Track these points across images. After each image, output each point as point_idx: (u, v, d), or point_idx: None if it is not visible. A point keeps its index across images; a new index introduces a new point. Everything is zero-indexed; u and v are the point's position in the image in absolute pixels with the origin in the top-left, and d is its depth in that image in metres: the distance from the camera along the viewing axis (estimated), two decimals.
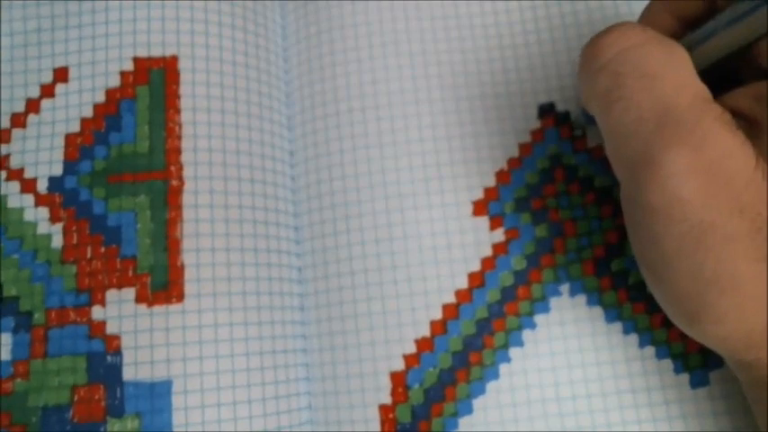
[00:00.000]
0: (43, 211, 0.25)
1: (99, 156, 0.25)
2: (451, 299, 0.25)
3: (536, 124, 0.26)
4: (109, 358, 0.23)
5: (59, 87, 0.26)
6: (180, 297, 0.24)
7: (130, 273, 0.24)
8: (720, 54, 0.19)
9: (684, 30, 0.21)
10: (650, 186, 0.18)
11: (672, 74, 0.18)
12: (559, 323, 0.25)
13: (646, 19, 0.22)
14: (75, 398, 0.23)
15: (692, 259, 0.17)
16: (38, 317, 0.24)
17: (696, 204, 0.17)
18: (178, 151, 0.25)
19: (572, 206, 0.25)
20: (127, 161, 0.25)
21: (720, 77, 0.20)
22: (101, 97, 0.26)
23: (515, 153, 0.26)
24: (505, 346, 0.24)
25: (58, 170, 0.25)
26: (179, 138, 0.25)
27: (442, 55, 0.28)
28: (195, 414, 0.23)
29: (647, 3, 0.27)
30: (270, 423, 0.24)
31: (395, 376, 0.24)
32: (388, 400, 0.24)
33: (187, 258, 0.24)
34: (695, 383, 0.24)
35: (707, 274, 0.17)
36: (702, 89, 0.18)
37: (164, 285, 0.24)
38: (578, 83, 0.21)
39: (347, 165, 0.26)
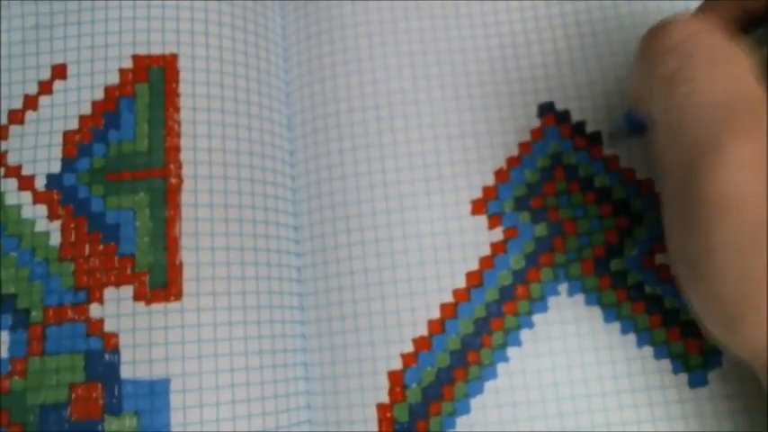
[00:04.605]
0: (41, 209, 0.25)
1: (98, 153, 0.25)
2: (450, 298, 0.25)
3: (536, 123, 0.27)
4: (107, 356, 0.23)
5: (58, 84, 0.26)
6: (178, 295, 0.24)
7: (129, 271, 0.24)
8: None
9: (746, 24, 0.21)
10: (709, 174, 0.17)
11: (740, 64, 0.18)
12: (558, 323, 0.24)
13: (709, 8, 0.21)
14: (73, 396, 0.23)
15: (741, 257, 0.17)
16: (35, 315, 0.23)
17: (755, 199, 0.16)
18: (177, 149, 0.25)
19: (572, 205, 0.25)
20: (126, 159, 0.25)
21: None
22: (100, 95, 0.26)
23: (515, 152, 0.26)
24: (503, 346, 0.24)
25: (56, 167, 0.25)
26: (178, 136, 0.25)
27: (442, 55, 0.28)
28: (193, 413, 0.23)
29: (646, 3, 0.27)
30: (268, 422, 0.24)
31: (393, 375, 0.24)
32: (385, 399, 0.24)
33: (186, 257, 0.24)
34: (694, 383, 0.24)
35: (756, 275, 0.16)
36: (765, 85, 0.18)
37: (162, 284, 0.24)
38: (634, 71, 0.20)
39: (347, 165, 0.26)
